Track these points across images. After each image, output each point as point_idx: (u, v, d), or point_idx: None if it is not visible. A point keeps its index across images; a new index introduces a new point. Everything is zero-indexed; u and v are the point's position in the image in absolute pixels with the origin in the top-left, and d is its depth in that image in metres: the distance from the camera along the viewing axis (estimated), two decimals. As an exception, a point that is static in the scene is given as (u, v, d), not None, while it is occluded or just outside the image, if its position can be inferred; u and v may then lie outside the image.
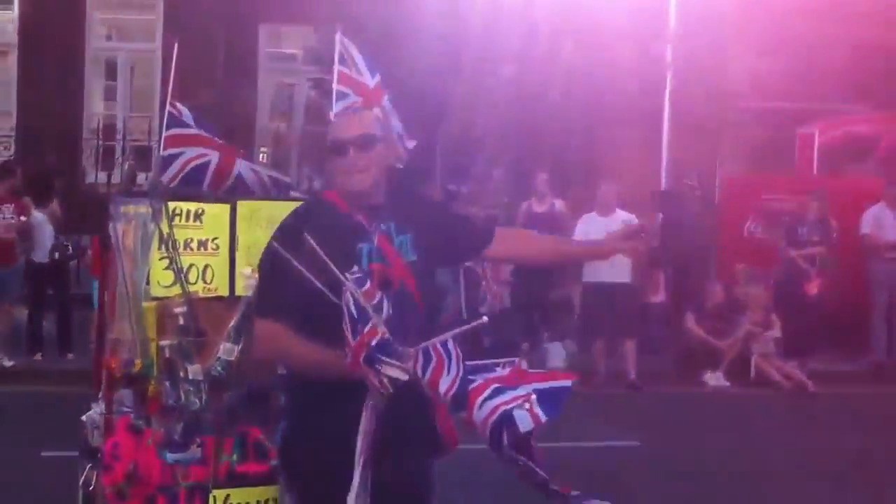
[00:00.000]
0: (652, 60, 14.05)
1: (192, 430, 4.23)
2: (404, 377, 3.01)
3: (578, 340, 12.49)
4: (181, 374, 4.16)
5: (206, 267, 4.21)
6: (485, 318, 3.29)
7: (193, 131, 4.53)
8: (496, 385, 3.14)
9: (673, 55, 14.00)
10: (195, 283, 4.19)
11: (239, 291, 4.22)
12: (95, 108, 17.47)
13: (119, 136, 16.14)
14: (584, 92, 14.06)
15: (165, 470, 4.15)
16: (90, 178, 15.62)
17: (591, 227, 11.50)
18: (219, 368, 4.14)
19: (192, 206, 4.20)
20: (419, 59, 12.97)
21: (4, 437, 8.48)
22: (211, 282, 4.22)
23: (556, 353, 12.15)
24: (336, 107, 4.82)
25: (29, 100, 16.47)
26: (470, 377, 3.12)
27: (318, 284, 3.18)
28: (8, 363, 11.28)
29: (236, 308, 4.19)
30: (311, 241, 3.14)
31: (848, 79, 17.02)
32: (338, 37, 4.97)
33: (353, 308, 3.04)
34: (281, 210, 4.23)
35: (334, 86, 4.84)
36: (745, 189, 14.86)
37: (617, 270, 11.27)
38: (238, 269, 4.23)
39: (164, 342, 4.13)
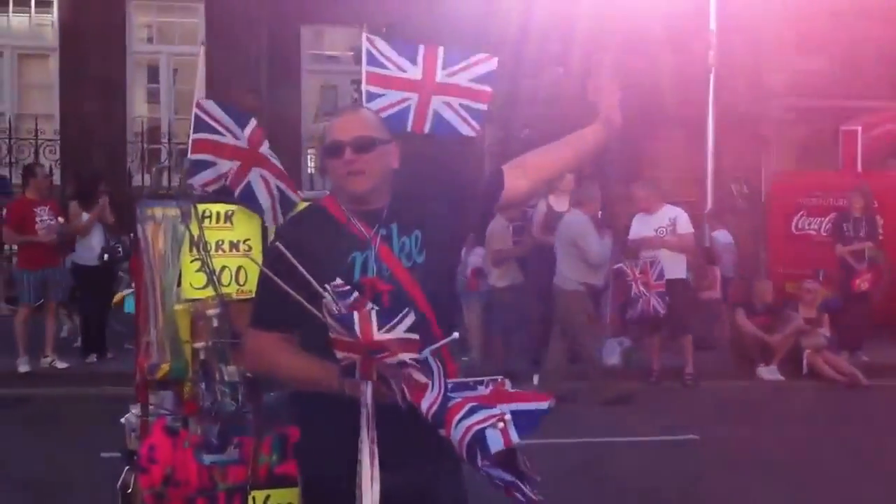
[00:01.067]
0: (695, 61, 13.93)
1: (229, 431, 4.22)
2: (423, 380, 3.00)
3: (633, 337, 12.36)
4: (216, 375, 4.16)
5: (238, 268, 4.21)
6: (455, 335, 3.11)
7: (219, 138, 4.46)
8: (472, 404, 3.07)
9: (716, 55, 13.87)
10: (228, 285, 4.19)
11: (273, 292, 4.20)
12: (139, 111, 17.58)
13: (164, 139, 16.24)
14: (627, 93, 13.93)
15: (203, 472, 4.14)
16: (136, 181, 15.70)
17: (641, 227, 11.64)
18: (254, 370, 4.12)
19: (222, 208, 4.20)
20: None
21: (65, 439, 8.60)
22: (244, 283, 4.21)
23: (612, 351, 12.06)
24: (370, 107, 4.71)
25: (71, 104, 16.57)
26: (450, 395, 3.06)
27: (297, 297, 3.02)
28: (60, 365, 11.34)
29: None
30: (287, 253, 3.01)
31: (891, 75, 16.87)
32: (363, 36, 4.85)
33: (335, 320, 2.94)
34: (312, 210, 4.22)
35: (363, 87, 4.76)
36: (792, 187, 14.71)
37: (673, 267, 11.21)
38: (271, 271, 4.21)
39: (199, 344, 4.12)
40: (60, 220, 11.56)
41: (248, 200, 4.30)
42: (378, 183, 3.30)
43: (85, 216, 11.61)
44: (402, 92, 4.80)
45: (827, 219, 13.27)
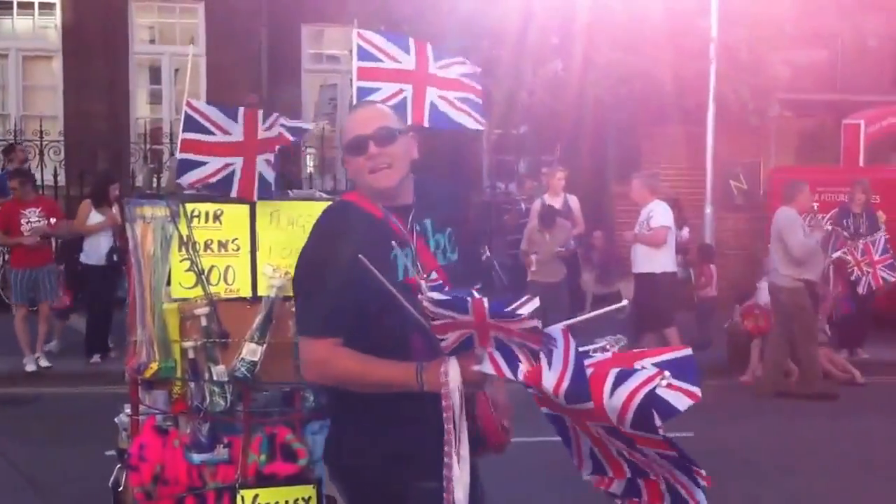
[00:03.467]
0: (695, 54, 13.90)
1: (218, 430, 4.25)
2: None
3: (629, 333, 12.33)
4: (205, 375, 4.18)
5: (227, 268, 4.22)
6: (625, 302, 2.98)
7: (208, 138, 4.49)
8: (616, 369, 2.85)
9: (716, 48, 13.84)
10: (217, 284, 4.20)
11: (261, 292, 4.22)
12: (141, 111, 17.63)
13: (166, 140, 16.26)
14: (628, 89, 13.96)
15: (192, 471, 4.17)
16: (139, 182, 15.71)
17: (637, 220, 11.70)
18: (243, 369, 4.14)
19: (211, 207, 4.21)
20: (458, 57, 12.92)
21: (70, 437, 8.62)
22: (233, 283, 4.22)
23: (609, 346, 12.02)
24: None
25: (75, 105, 16.65)
26: (584, 366, 2.83)
27: (393, 290, 2.92)
28: (44, 364, 11.37)
29: (259, 308, 4.20)
30: (365, 261, 2.91)
31: (894, 69, 16.84)
32: (354, 32, 4.85)
33: (442, 308, 2.82)
34: (300, 210, 4.25)
35: (354, 84, 4.76)
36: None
37: (645, 261, 11.35)
38: (260, 270, 4.24)
39: (188, 343, 4.14)
40: (52, 220, 11.61)
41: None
42: (404, 175, 3.24)
43: (94, 216, 11.65)
44: (397, 83, 4.78)
45: (828, 215, 13.22)
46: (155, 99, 17.88)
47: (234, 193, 4.41)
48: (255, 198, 4.29)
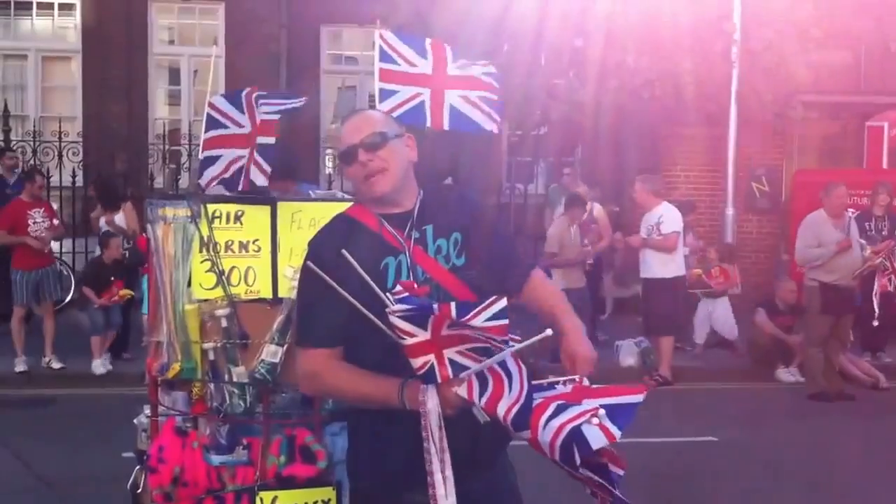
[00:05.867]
0: (717, 56, 13.86)
1: (237, 432, 4.23)
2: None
3: (650, 337, 12.27)
4: (225, 376, 4.16)
5: (248, 269, 4.19)
6: (548, 332, 2.83)
7: (224, 132, 4.47)
8: (558, 402, 2.96)
9: (739, 50, 13.79)
10: (237, 286, 4.17)
11: (282, 293, 4.19)
12: (160, 112, 17.66)
13: (184, 141, 16.27)
14: (652, 91, 13.92)
15: (211, 472, 4.15)
16: (158, 183, 15.74)
17: (643, 224, 11.68)
18: (263, 371, 4.12)
19: (232, 208, 4.17)
20: (480, 59, 12.91)
21: (86, 438, 8.66)
22: (253, 284, 4.19)
23: (629, 351, 11.98)
24: (383, 106, 4.69)
25: (94, 106, 16.67)
26: (532, 395, 2.88)
27: (359, 306, 2.98)
28: (56, 366, 11.37)
29: (280, 310, 4.17)
30: (350, 258, 2.98)
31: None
32: (376, 34, 4.82)
33: (405, 323, 2.82)
34: (322, 211, 4.21)
35: (376, 85, 4.72)
36: (814, 184, 14.59)
37: (656, 266, 11.37)
38: (280, 271, 4.21)
39: (208, 345, 4.12)
40: (55, 222, 11.65)
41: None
42: (399, 180, 3.20)
43: (102, 221, 11.73)
44: (415, 87, 4.74)
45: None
46: (174, 100, 17.91)
47: (240, 186, 4.40)
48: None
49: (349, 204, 3.65)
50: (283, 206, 4.23)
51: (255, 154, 4.37)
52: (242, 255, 4.19)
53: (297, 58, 17.03)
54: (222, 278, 4.13)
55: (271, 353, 4.13)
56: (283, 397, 4.31)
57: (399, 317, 2.81)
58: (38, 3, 17.13)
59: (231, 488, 4.14)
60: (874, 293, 11.31)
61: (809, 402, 10.58)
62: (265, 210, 4.21)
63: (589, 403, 2.96)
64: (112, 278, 11.38)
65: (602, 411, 2.91)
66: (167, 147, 16.06)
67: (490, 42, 13.22)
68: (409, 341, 2.82)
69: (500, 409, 2.82)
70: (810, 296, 10.80)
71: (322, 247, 3.17)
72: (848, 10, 14.59)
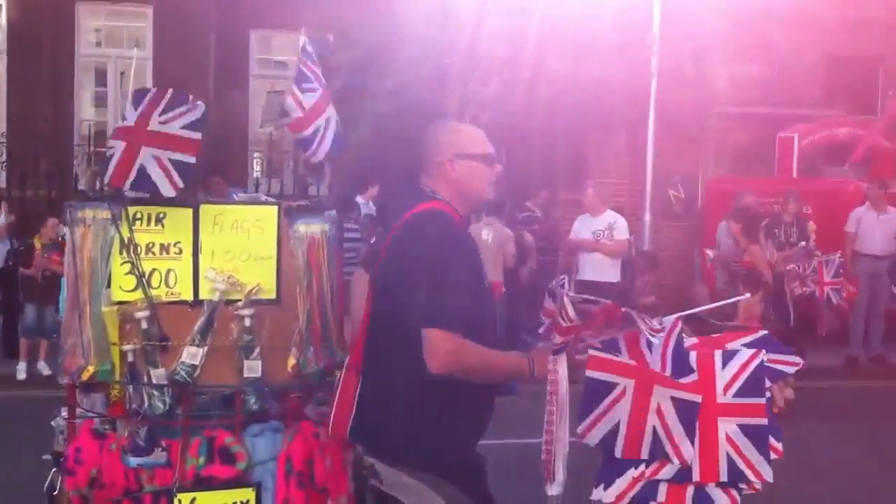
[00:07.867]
0: (637, 67, 14.14)
1: (156, 434, 4.22)
2: None
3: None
4: (144, 378, 4.15)
5: (168, 271, 4.19)
6: (747, 295, 3.46)
7: (119, 125, 4.36)
8: (717, 350, 3.42)
9: (658, 61, 14.08)
10: (158, 288, 4.17)
11: (203, 295, 4.21)
12: (86, 113, 17.45)
13: (110, 142, 16.05)
14: (572, 99, 14.12)
15: (129, 474, 4.13)
16: (82, 184, 15.54)
17: (581, 227, 11.95)
18: (183, 373, 4.13)
19: (154, 210, 4.17)
20: (409, 67, 13.00)
21: (10, 441, 8.56)
22: (174, 286, 4.20)
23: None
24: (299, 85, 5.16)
25: (19, 106, 16.43)
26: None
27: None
28: None
29: (201, 311, 4.19)
30: (567, 284, 3.49)
31: (828, 83, 17.25)
32: (302, 39, 4.90)
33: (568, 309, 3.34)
34: (245, 214, 4.25)
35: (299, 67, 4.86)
36: (727, 192, 14.89)
37: (605, 271, 11.60)
38: (202, 273, 4.22)
39: (127, 347, 4.11)
40: None
41: (141, 186, 4.17)
42: None
43: None
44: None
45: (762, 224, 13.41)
46: (101, 102, 17.69)
47: (106, 179, 4.21)
48: (127, 188, 4.14)
49: (272, 207, 3.82)
50: (205, 209, 4.24)
51: (168, 164, 4.17)
52: (163, 258, 4.19)
53: (227, 62, 16.95)
54: (142, 280, 4.13)
55: (191, 354, 4.14)
56: (202, 399, 4.32)
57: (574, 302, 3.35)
58: (-37, 3, 16.85)
59: (149, 489, 4.13)
60: (787, 298, 11.57)
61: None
62: (187, 213, 4.21)
63: (734, 346, 3.44)
64: None
65: (763, 351, 3.40)
66: (93, 149, 15.87)
67: (419, 54, 13.29)
68: (566, 325, 3.34)
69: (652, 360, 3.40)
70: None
71: (469, 238, 3.76)
72: (762, 25, 14.98)
